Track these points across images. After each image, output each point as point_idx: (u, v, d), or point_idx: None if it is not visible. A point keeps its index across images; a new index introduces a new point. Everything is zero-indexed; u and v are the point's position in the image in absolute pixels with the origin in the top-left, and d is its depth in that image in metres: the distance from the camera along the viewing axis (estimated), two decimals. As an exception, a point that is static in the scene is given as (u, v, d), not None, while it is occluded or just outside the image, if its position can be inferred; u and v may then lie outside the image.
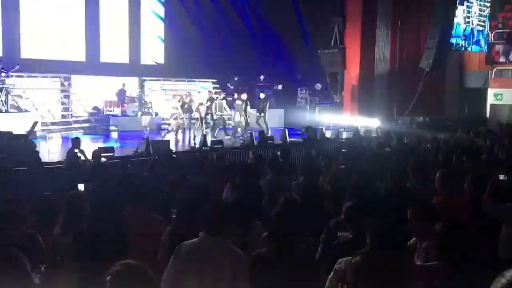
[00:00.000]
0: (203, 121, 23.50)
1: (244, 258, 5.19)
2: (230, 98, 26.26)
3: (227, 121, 24.90)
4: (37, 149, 14.98)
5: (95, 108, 25.77)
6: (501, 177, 8.43)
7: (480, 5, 30.80)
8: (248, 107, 24.32)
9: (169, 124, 23.91)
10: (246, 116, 23.96)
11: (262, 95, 25.78)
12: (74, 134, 21.46)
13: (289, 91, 31.58)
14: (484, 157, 12.23)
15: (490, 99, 31.43)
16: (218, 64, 29.70)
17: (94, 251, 5.08)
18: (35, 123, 19.94)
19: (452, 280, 4.87)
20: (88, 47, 27.69)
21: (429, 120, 28.36)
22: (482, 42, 30.77)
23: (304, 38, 31.18)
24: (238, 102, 24.31)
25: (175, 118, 22.99)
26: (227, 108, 24.54)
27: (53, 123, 23.17)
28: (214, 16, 30.66)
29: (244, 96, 24.57)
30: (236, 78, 29.27)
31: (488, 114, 31.21)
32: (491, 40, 31.63)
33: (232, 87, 29.08)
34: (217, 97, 24.69)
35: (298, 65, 31.91)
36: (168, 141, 18.63)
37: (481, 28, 30.60)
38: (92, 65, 26.89)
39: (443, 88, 32.45)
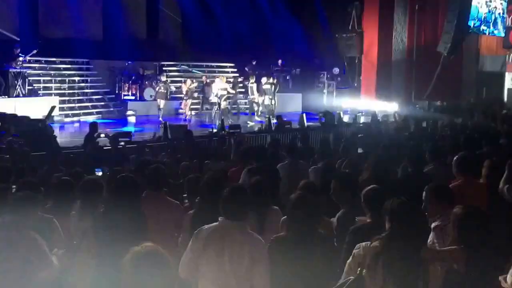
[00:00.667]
0: (220, 105, 23.54)
1: (262, 243, 5.17)
2: (247, 82, 26.34)
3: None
4: (54, 133, 15.02)
5: (112, 92, 25.66)
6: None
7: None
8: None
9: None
10: (275, 99, 24.26)
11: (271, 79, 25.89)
12: (92, 118, 21.53)
13: (307, 75, 31.49)
14: (503, 141, 12.10)
15: (508, 83, 31.20)
16: (236, 49, 29.62)
17: (112, 234, 5.07)
18: (53, 108, 20.00)
19: (470, 264, 4.83)
20: (105, 29, 27.57)
21: (447, 104, 28.18)
22: (500, 26, 30.44)
23: (322, 23, 30.99)
24: (267, 86, 24.53)
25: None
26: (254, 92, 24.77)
27: (70, 108, 23.18)
28: (231, 1, 30.55)
29: (271, 79, 24.94)
30: (254, 62, 29.18)
31: (506, 98, 30.98)
32: (508, 24, 31.30)
33: (250, 71, 29.01)
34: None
35: (316, 49, 31.70)
36: (186, 126, 18.66)
37: (500, 11, 30.25)
38: (110, 47, 26.73)
39: (460, 72, 32.18)
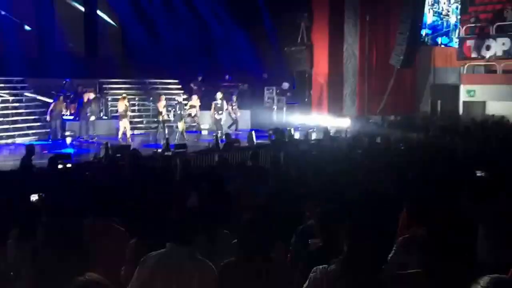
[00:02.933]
0: (165, 124, 23.56)
1: (212, 268, 5.15)
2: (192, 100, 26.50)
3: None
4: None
5: (59, 111, 25.09)
6: (478, 173, 8.55)
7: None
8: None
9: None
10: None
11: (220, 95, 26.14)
12: (28, 140, 21.22)
13: (256, 91, 31.55)
14: (459, 156, 12.34)
15: (463, 96, 31.76)
16: (180, 64, 29.58)
17: (54, 264, 4.99)
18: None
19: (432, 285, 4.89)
20: (41, 43, 27.25)
21: (401, 118, 28.56)
22: (452, 34, 31.06)
23: (270, 36, 31.16)
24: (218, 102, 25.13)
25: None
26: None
27: (4, 130, 22.77)
28: (175, 15, 30.52)
29: (220, 95, 25.78)
30: (200, 78, 29.22)
31: (461, 111, 31.53)
32: (462, 35, 31.92)
33: (195, 88, 29.03)
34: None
35: (264, 63, 31.87)
36: (129, 146, 18.53)
37: (449, 18, 30.85)
38: (44, 64, 26.43)
39: (414, 85, 32.70)
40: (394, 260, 5.65)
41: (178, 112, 25.39)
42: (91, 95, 23.78)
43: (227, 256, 5.74)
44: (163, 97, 25.12)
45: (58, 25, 27.48)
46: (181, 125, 24.96)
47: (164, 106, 24.29)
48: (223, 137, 20.68)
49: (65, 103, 24.33)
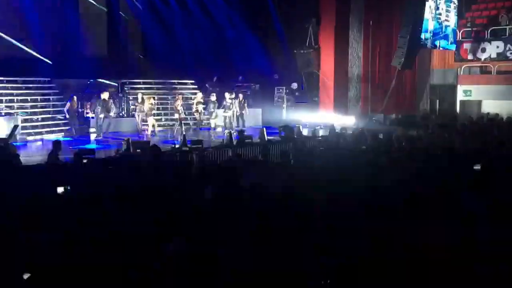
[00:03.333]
0: (182, 122, 23.56)
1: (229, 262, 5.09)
2: (208, 98, 26.56)
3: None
4: (17, 152, 14.77)
5: (75, 110, 25.09)
6: (476, 167, 8.51)
7: (447, 2, 30.94)
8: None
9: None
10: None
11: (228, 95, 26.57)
12: (54, 137, 21.26)
13: (267, 90, 31.51)
14: (456, 151, 12.26)
15: (460, 96, 31.72)
16: (197, 65, 29.63)
17: (84, 252, 4.95)
18: (15, 127, 19.72)
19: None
20: (65, 47, 27.24)
21: (402, 117, 28.50)
22: (450, 38, 30.96)
23: (281, 39, 31.16)
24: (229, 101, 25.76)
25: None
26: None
27: (33, 127, 22.82)
28: (192, 19, 30.54)
29: (227, 95, 26.34)
30: (215, 79, 29.25)
31: (458, 110, 31.50)
32: (459, 38, 31.83)
33: (210, 88, 29.08)
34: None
35: (275, 65, 31.87)
36: (148, 142, 18.51)
37: (447, 23, 30.74)
38: (71, 65, 26.48)
39: (414, 85, 32.67)
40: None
41: (212, 110, 25.86)
42: (105, 95, 23.66)
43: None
44: (180, 96, 25.28)
45: (82, 27, 27.51)
46: (213, 122, 25.70)
47: (181, 105, 24.40)
48: (235, 133, 20.62)
49: (79, 103, 24.33)
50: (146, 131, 23.86)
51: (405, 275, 4.80)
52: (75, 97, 23.21)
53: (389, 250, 4.90)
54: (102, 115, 23.15)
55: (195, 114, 26.06)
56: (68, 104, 22.95)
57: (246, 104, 26.67)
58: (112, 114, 23.63)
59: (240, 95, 26.79)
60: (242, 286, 5.02)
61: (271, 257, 5.21)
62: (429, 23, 29.02)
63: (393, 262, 4.82)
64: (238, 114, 26.35)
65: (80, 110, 24.59)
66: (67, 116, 23.02)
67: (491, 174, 8.23)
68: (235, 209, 6.44)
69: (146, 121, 24.03)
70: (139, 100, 24.49)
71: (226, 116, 26.04)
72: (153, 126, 23.98)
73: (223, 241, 5.23)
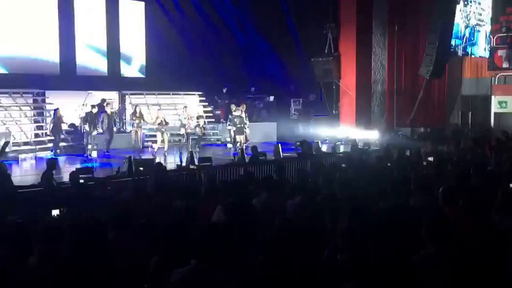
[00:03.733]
0: (189, 136, 23.57)
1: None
2: (219, 112, 26.53)
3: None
4: (8, 171, 14.82)
5: (71, 125, 24.99)
6: (511, 186, 8.48)
7: (478, 5, 30.89)
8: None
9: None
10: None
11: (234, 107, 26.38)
12: (49, 154, 21.33)
13: (282, 102, 31.49)
14: (490, 169, 12.21)
15: (494, 107, 31.55)
16: (204, 76, 29.67)
17: (79, 283, 4.94)
18: (6, 144, 19.79)
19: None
20: (63, 60, 27.41)
21: (431, 130, 28.43)
22: (482, 43, 30.95)
23: (296, 47, 31.16)
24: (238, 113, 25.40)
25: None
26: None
27: (25, 143, 22.86)
28: (199, 25, 30.63)
29: (233, 107, 25.94)
30: (224, 90, 29.28)
31: (492, 123, 31.33)
32: (493, 44, 31.75)
33: (219, 101, 29.14)
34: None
35: (291, 75, 31.85)
36: (153, 159, 18.53)
37: (480, 29, 30.74)
38: (68, 79, 26.67)
39: (444, 96, 32.57)
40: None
41: (239, 125, 25.25)
42: (94, 109, 23.35)
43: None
44: (187, 108, 25.15)
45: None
46: (239, 138, 25.07)
47: (188, 118, 24.27)
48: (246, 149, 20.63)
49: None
50: (152, 148, 23.67)
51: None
52: (59, 111, 22.90)
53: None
54: (95, 132, 22.92)
55: (196, 129, 25.11)
56: (51, 119, 22.72)
57: (246, 116, 26.14)
58: (100, 130, 23.32)
59: (239, 108, 26.34)
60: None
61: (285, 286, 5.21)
62: (460, 28, 29.05)
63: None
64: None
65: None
66: (50, 132, 22.74)
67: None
68: (246, 235, 6.41)
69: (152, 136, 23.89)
70: (137, 114, 24.18)
71: (231, 130, 25.89)
72: (162, 142, 23.61)
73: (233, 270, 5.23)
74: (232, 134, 25.57)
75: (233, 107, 26.06)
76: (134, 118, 24.18)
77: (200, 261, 5.00)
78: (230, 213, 7.64)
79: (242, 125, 24.95)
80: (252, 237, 6.42)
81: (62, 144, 23.33)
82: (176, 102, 28.82)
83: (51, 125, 22.40)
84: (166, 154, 22.74)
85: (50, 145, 23.22)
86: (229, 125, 25.86)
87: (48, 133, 22.85)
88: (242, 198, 8.78)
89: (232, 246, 5.33)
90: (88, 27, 28.63)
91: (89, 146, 22.66)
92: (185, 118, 24.18)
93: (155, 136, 24.05)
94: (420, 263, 5.60)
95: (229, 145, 25.83)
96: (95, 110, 23.04)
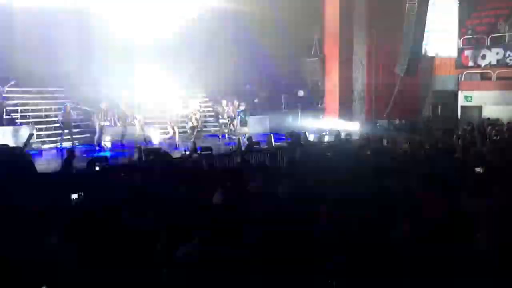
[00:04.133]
0: (195, 129, 23.57)
1: (240, 264, 5.05)
2: (217, 106, 26.52)
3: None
4: (32, 160, 14.79)
5: (69, 119, 24.61)
6: (477, 170, 8.50)
7: (445, 12, 30.93)
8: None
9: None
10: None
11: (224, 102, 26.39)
12: (69, 144, 21.28)
13: (274, 98, 31.46)
14: (458, 155, 12.21)
15: (461, 101, 31.64)
16: (205, 75, 29.59)
17: (100, 258, 4.89)
18: (31, 136, 19.73)
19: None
20: (81, 59, 27.21)
21: (405, 122, 28.47)
22: (450, 46, 31.04)
23: (288, 48, 31.10)
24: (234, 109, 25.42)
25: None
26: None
27: (48, 135, 22.83)
28: (197, 27, 30.42)
29: (224, 102, 26.05)
30: (222, 88, 29.14)
31: (459, 115, 31.43)
32: (460, 45, 31.79)
33: (219, 96, 29.06)
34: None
35: (281, 73, 31.79)
36: (160, 149, 18.49)
37: (448, 32, 30.80)
38: (85, 76, 26.53)
39: (417, 91, 32.64)
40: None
41: (245, 118, 25.43)
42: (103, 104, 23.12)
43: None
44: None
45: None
46: (245, 130, 25.05)
47: (194, 113, 24.19)
48: (241, 139, 20.60)
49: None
50: (171, 138, 23.46)
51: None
52: (68, 105, 22.51)
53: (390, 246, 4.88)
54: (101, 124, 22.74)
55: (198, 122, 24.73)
56: (61, 114, 22.39)
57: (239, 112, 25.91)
58: (107, 122, 23.01)
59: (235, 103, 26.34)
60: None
61: (279, 260, 5.19)
62: (431, 31, 29.07)
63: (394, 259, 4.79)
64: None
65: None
66: (61, 125, 22.20)
67: (492, 177, 8.21)
68: (243, 215, 6.39)
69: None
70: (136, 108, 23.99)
71: (223, 122, 25.87)
72: (174, 134, 23.39)
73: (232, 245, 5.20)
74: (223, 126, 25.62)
75: (224, 102, 26.13)
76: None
77: (201, 238, 4.98)
78: (225, 196, 7.66)
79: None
80: (246, 216, 6.39)
81: (78, 136, 23.29)
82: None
83: (61, 118, 22.15)
84: (178, 144, 22.60)
85: (69, 136, 23.15)
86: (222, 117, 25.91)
87: (60, 125, 22.45)
88: (236, 182, 8.79)
89: (228, 224, 5.30)
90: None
91: (102, 138, 22.56)
92: (193, 114, 24.10)
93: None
94: (396, 238, 5.60)
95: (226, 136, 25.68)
96: (104, 105, 22.88)
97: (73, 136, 22.46)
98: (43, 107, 23.93)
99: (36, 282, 4.14)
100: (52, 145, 22.04)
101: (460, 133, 19.36)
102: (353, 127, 26.14)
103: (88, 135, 23.50)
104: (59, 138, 22.28)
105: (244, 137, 22.08)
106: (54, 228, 6.10)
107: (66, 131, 22.02)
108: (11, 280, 4.03)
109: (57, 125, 22.70)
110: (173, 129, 23.25)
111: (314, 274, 5.07)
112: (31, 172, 13.19)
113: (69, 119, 22.13)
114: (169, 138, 23.47)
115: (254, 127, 27.12)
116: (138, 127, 23.44)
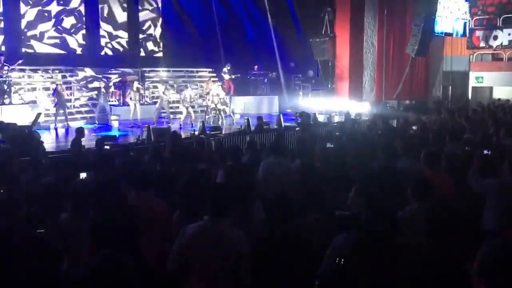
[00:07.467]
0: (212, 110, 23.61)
1: (246, 239, 5.10)
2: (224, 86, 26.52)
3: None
4: (41, 139, 14.85)
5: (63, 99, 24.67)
6: (485, 152, 8.50)
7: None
8: None
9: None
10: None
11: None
12: (77, 124, 21.36)
13: (284, 78, 31.42)
14: (467, 137, 12.16)
15: (472, 82, 31.54)
16: (214, 54, 29.63)
17: (109, 237, 4.89)
18: (39, 114, 19.79)
19: (438, 255, 4.86)
20: (87, 40, 27.31)
21: (415, 102, 28.42)
22: (462, 27, 30.93)
23: (297, 28, 31.02)
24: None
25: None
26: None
27: (56, 114, 22.87)
28: (209, 8, 30.42)
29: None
30: (229, 67, 29.08)
31: (470, 96, 31.36)
32: (471, 26, 31.63)
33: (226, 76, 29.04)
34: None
35: (291, 53, 31.72)
36: (169, 128, 18.51)
37: (463, 14, 30.71)
38: (92, 57, 26.71)
39: (428, 72, 32.55)
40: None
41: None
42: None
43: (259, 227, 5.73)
44: (212, 83, 25.43)
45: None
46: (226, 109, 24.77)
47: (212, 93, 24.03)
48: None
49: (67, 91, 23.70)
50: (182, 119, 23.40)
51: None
52: (59, 86, 22.29)
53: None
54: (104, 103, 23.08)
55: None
56: (54, 93, 22.28)
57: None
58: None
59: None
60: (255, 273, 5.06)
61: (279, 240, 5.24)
62: (442, 11, 28.94)
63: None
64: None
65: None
66: (53, 107, 22.24)
67: (500, 159, 8.23)
68: (246, 194, 6.38)
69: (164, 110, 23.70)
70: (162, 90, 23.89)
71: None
72: (188, 113, 23.21)
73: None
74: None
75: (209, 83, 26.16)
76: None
77: (210, 217, 5.01)
78: (228, 175, 7.71)
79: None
80: (251, 196, 6.39)
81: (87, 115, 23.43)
82: (190, 79, 28.92)
83: (55, 99, 22.15)
84: (193, 123, 22.50)
85: (78, 116, 23.30)
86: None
87: (54, 105, 22.39)
88: (239, 162, 8.84)
89: (234, 203, 5.32)
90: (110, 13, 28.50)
91: (109, 117, 22.89)
92: (211, 94, 23.95)
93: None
94: (405, 217, 5.63)
95: (237, 116, 25.48)
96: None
97: (68, 117, 22.38)
98: (51, 86, 23.90)
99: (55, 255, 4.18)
100: (60, 124, 22.01)
101: (470, 114, 19.29)
102: (363, 108, 26.09)
103: (99, 114, 23.55)
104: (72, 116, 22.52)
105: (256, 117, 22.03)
106: (67, 204, 6.16)
107: (61, 111, 21.98)
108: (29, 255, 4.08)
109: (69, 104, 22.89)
110: (187, 109, 23.15)
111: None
112: (39, 150, 13.25)
113: (62, 99, 22.11)
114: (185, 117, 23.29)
115: (263, 107, 27.15)
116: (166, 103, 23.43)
